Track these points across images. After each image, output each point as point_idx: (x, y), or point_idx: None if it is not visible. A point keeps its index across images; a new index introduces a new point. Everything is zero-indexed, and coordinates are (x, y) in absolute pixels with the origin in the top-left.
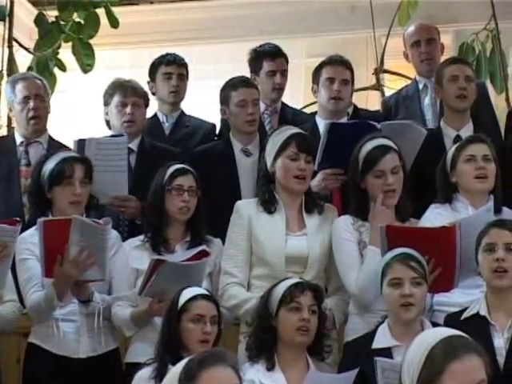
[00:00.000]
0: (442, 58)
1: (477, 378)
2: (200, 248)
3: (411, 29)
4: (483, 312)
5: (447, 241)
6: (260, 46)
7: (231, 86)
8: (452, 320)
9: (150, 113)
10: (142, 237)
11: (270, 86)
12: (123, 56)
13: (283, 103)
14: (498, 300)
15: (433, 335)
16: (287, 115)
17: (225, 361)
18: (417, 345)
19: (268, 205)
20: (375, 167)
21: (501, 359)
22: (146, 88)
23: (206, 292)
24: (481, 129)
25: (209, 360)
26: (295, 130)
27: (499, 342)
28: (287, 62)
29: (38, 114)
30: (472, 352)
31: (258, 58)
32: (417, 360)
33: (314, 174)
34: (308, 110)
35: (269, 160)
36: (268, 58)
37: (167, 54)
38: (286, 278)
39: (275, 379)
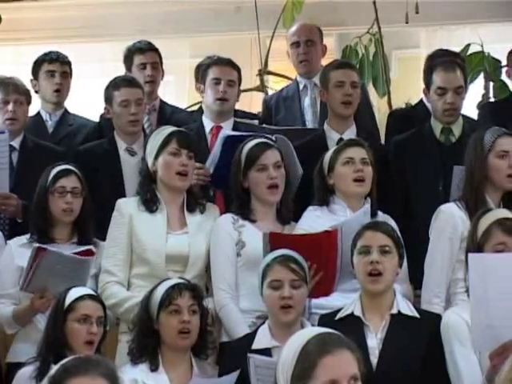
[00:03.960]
0: (326, 61)
1: (349, 371)
2: (87, 246)
3: (293, 29)
4: (357, 312)
5: (329, 245)
6: (132, 44)
7: (114, 85)
8: (326, 320)
9: (32, 110)
10: (28, 235)
11: (141, 79)
12: (5, 52)
13: (162, 101)
14: (372, 301)
15: (305, 333)
16: (166, 113)
17: (94, 370)
18: (290, 343)
19: (149, 204)
20: (257, 162)
21: (374, 359)
22: (29, 85)
23: (92, 292)
24: (363, 131)
25: (76, 369)
26: (174, 128)
27: (373, 342)
28: (160, 57)
29: None
30: (344, 347)
31: (130, 54)
32: (290, 357)
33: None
34: (192, 110)
35: (150, 159)
36: (138, 52)
37: (50, 52)
38: (165, 280)
39: (159, 380)
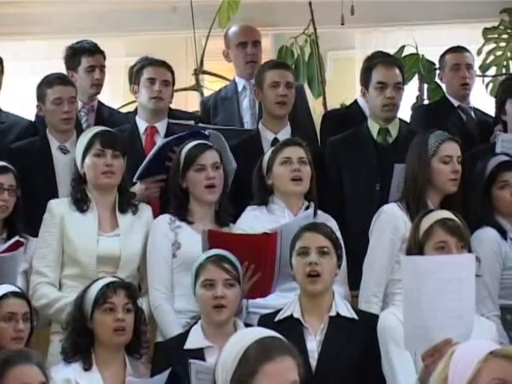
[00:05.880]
0: (261, 61)
1: (289, 378)
2: (14, 239)
3: (237, 29)
4: (297, 314)
5: (268, 247)
6: (77, 43)
7: (47, 83)
8: (266, 321)
9: None
10: None
11: (89, 81)
12: None
13: (100, 102)
14: (311, 303)
15: (248, 335)
16: (103, 114)
17: (30, 359)
18: (232, 344)
19: (80, 204)
20: (196, 162)
21: (313, 362)
22: None
23: (16, 289)
24: (299, 132)
25: (14, 359)
26: (100, 128)
27: (312, 345)
28: (105, 58)
29: None
30: (285, 354)
31: (75, 54)
32: (231, 359)
33: (133, 183)
34: (127, 109)
35: (78, 161)
36: (86, 54)
37: None
38: (99, 279)
39: (92, 379)
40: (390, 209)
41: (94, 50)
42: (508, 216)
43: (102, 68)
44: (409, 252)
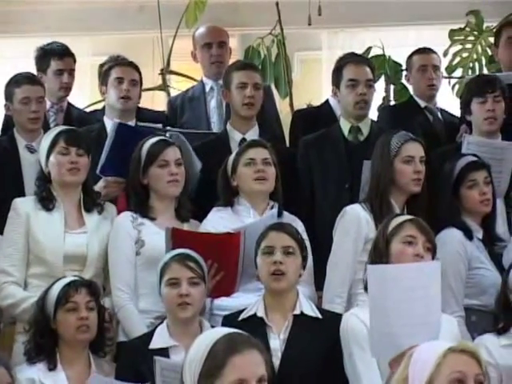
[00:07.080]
0: (229, 61)
1: (257, 372)
2: None
3: (203, 30)
4: (260, 313)
5: (231, 247)
6: (48, 45)
7: (15, 82)
8: (229, 321)
9: None
10: None
11: (57, 84)
12: None
13: (69, 103)
14: (275, 301)
15: (214, 333)
16: (72, 114)
17: None
18: (199, 342)
19: (45, 202)
20: (159, 157)
21: (276, 361)
22: None
23: None
24: (267, 132)
25: None
26: (63, 127)
27: (275, 344)
28: (75, 61)
29: None
30: (253, 347)
31: (45, 56)
32: (199, 356)
33: (98, 178)
34: (93, 108)
35: (42, 161)
36: (56, 56)
37: None
38: (60, 279)
39: (56, 379)
40: (353, 209)
41: (63, 54)
42: (476, 216)
43: (72, 72)
44: (375, 248)
